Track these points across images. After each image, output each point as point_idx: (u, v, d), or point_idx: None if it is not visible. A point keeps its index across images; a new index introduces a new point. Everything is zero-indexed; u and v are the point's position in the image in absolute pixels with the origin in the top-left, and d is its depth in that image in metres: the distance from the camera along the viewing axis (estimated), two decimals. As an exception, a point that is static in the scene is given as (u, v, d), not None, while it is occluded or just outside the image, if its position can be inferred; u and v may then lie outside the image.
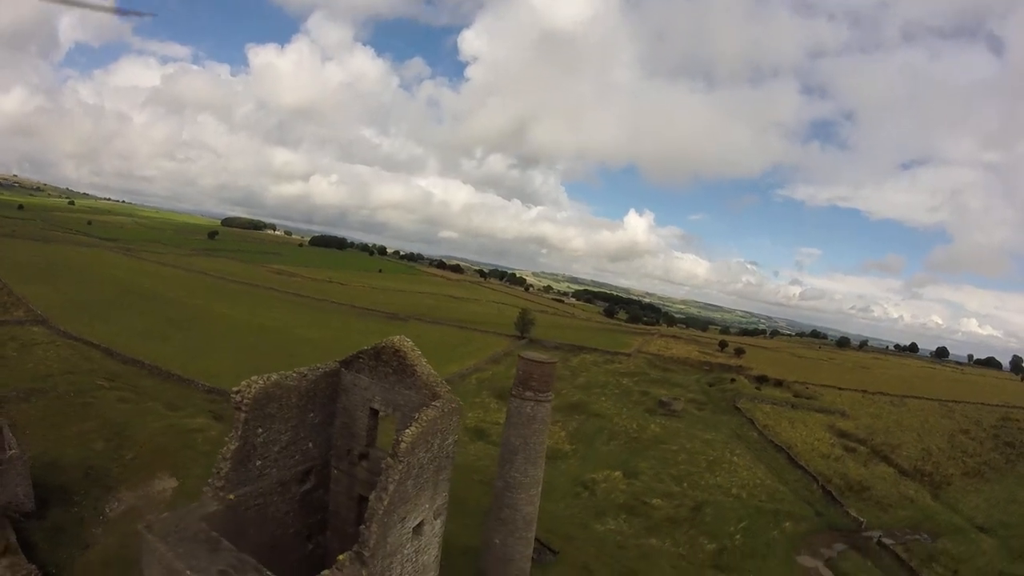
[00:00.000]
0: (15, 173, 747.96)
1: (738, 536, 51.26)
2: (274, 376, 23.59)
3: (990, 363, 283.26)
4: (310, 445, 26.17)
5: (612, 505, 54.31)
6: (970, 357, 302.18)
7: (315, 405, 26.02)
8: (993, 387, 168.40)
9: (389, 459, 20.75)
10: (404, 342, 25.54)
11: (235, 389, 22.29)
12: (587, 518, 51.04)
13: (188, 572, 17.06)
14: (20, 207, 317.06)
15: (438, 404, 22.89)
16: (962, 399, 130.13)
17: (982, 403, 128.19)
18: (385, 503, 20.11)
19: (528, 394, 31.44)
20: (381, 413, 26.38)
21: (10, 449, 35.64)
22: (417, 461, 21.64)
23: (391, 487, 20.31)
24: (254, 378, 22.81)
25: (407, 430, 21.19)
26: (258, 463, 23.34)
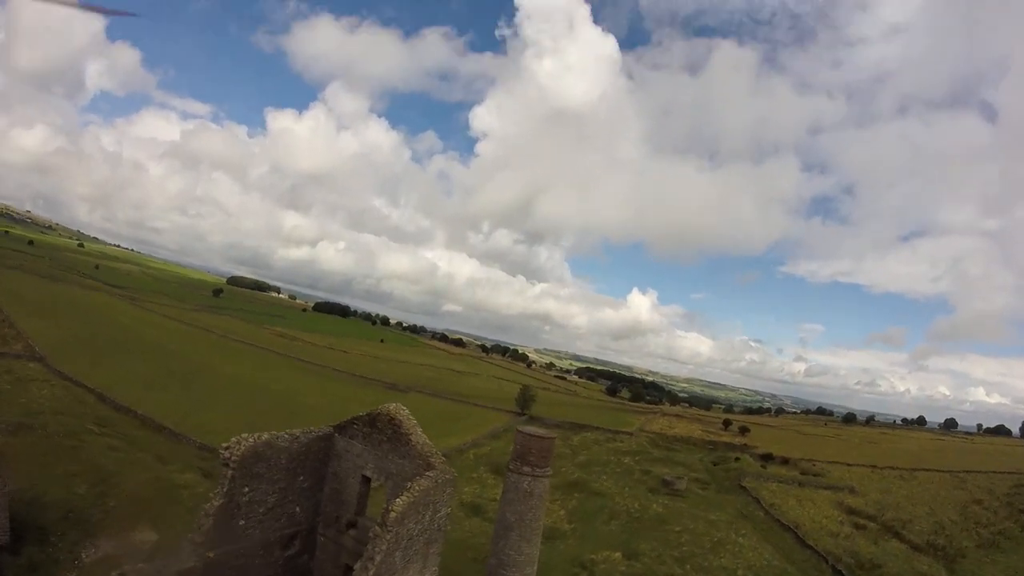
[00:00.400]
0: (29, 209, 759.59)
1: (743, 623, 48.82)
2: (265, 435, 22.95)
3: (1000, 431, 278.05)
4: (297, 509, 25.21)
5: (611, 587, 51.97)
6: (979, 426, 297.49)
7: (305, 469, 25.21)
8: (1004, 455, 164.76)
9: (377, 528, 19.89)
10: (400, 410, 24.92)
11: (224, 445, 21.66)
12: (584, 601, 48.78)
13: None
14: (30, 243, 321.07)
15: (431, 475, 22.11)
16: (973, 469, 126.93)
17: (994, 472, 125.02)
18: (370, 574, 19.11)
19: (526, 469, 30.45)
20: (373, 481, 25.49)
21: (-9, 481, 34.55)
22: (407, 532, 20.71)
23: (377, 558, 19.38)
24: (244, 436, 22.17)
25: (398, 499, 20.40)
26: (242, 523, 22.44)
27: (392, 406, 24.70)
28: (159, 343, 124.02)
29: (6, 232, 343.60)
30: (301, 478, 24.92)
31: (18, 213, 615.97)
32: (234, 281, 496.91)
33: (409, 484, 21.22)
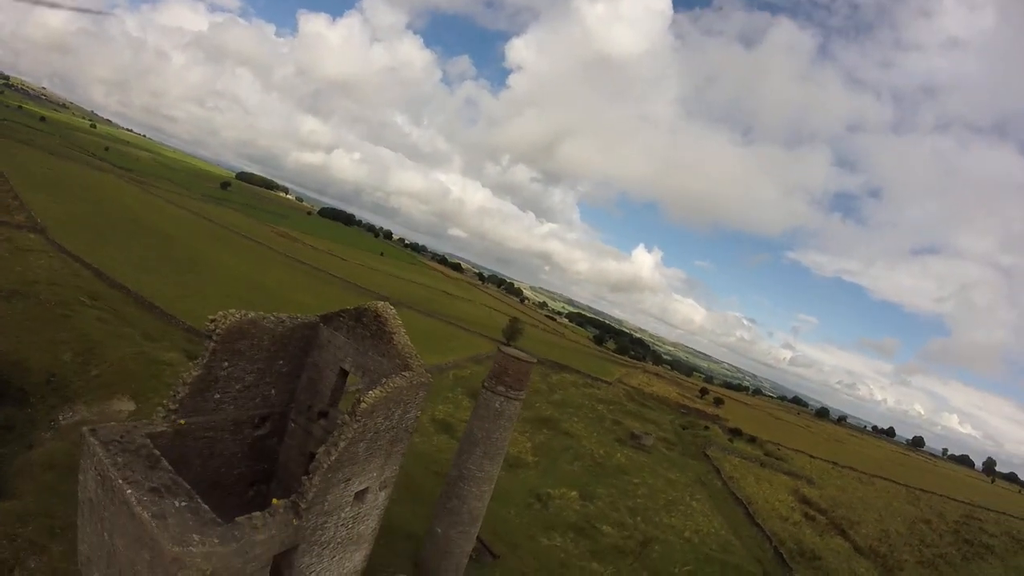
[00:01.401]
0: (44, 86, 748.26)
1: (681, 578, 50.81)
2: (251, 314, 23.31)
3: (963, 461, 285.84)
4: (273, 392, 25.83)
5: (562, 523, 53.77)
6: (944, 451, 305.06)
7: (286, 354, 25.70)
8: (963, 483, 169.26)
9: (346, 416, 20.48)
10: (387, 308, 25.21)
11: (210, 317, 22.07)
12: (535, 530, 50.52)
13: (120, 482, 16.75)
14: (42, 119, 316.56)
15: (407, 375, 22.58)
16: (930, 490, 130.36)
17: (949, 497, 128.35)
18: (332, 458, 19.79)
19: (500, 388, 31.08)
20: (350, 376, 26.08)
21: (-27, 336, 35.39)
22: (374, 425, 21.32)
23: (342, 444, 20.00)
24: (231, 311, 22.56)
25: (371, 392, 20.90)
26: (216, 396, 23.03)
27: (380, 304, 24.98)
28: (160, 228, 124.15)
29: (19, 107, 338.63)
30: (281, 362, 25.46)
31: (33, 89, 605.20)
32: (243, 177, 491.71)
33: (384, 380, 21.77)
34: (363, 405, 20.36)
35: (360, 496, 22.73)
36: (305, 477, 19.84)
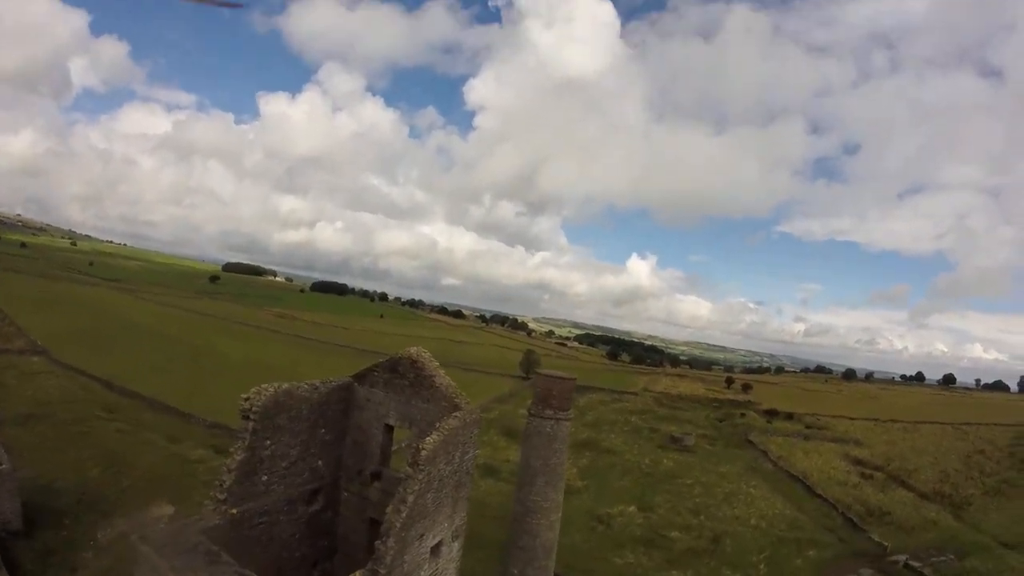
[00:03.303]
0: (19, 213, 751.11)
1: (762, 566, 49.09)
2: (285, 385, 22.32)
3: (997, 386, 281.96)
4: (320, 463, 24.62)
5: (629, 538, 52.12)
6: (977, 382, 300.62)
7: (326, 420, 24.55)
8: (1003, 408, 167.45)
9: (408, 468, 19.35)
10: (421, 353, 24.22)
11: (244, 396, 20.94)
12: (605, 551, 48.81)
13: (184, 583, 15.51)
14: (23, 245, 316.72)
15: (459, 415, 21.52)
16: (974, 421, 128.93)
17: (994, 424, 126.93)
18: (403, 516, 18.59)
19: (548, 412, 29.98)
20: (396, 429, 24.93)
21: (1, 464, 34.09)
22: (438, 473, 20.20)
23: (410, 499, 18.83)
24: (264, 386, 21.51)
25: (428, 438, 19.80)
26: (264, 478, 21.82)
27: (413, 350, 23.97)
28: (159, 330, 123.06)
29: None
30: (323, 431, 24.30)
31: (8, 218, 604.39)
32: (230, 267, 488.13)
33: (438, 424, 20.65)
34: (424, 453, 19.25)
35: (435, 550, 21.49)
36: (378, 542, 18.59)
